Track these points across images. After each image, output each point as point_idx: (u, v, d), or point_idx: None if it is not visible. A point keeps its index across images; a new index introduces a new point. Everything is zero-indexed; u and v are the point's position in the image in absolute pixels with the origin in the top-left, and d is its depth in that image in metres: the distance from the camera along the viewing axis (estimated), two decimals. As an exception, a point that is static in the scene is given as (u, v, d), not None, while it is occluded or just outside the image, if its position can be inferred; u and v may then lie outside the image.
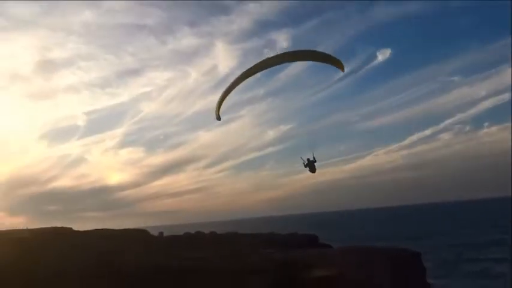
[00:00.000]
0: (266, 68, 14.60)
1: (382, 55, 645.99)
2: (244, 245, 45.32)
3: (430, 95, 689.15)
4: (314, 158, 16.77)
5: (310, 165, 16.92)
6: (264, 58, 14.54)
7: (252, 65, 14.53)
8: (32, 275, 26.29)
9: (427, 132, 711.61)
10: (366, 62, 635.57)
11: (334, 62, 14.78)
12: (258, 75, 16.80)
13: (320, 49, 16.70)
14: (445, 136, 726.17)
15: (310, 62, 16.80)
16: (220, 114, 16.26)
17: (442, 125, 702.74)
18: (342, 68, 15.47)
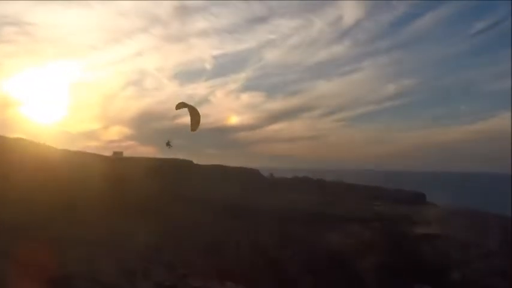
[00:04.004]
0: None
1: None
2: (349, 194, 44.05)
3: None
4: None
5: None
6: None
7: None
8: (152, 197, 27.82)
9: None
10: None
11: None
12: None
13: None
14: None
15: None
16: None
17: None
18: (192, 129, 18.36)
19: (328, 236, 29.31)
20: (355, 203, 40.46)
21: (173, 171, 36.53)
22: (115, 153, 40.89)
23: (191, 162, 42.16)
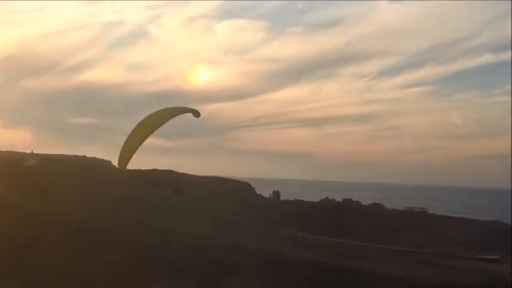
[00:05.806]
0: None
1: None
2: (430, 235, 38.16)
3: None
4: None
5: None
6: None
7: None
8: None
9: None
10: None
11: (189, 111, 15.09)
12: None
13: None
14: None
15: None
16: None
17: None
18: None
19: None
20: (442, 252, 34.66)
21: (71, 182, 27.33)
22: None
23: (109, 163, 32.87)
